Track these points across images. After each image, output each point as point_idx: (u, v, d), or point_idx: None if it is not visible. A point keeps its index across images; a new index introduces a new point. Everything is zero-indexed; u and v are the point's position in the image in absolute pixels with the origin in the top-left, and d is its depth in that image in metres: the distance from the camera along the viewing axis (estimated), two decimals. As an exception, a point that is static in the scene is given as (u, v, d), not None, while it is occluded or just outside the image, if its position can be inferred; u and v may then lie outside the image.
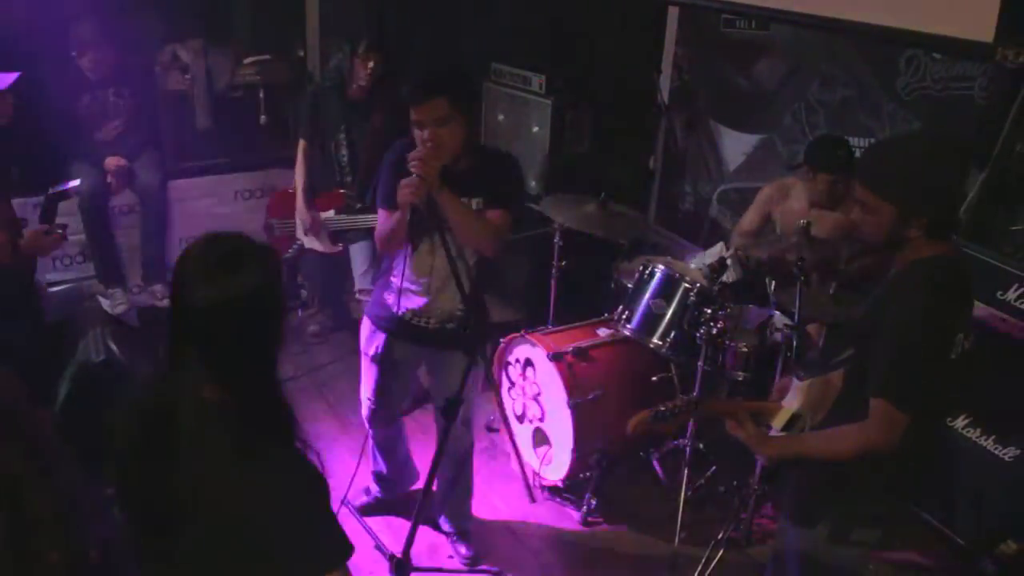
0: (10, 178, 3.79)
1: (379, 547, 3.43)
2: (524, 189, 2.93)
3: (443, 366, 3.21)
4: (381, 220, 3.02)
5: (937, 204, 2.15)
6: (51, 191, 3.69)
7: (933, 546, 3.48)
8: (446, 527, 3.62)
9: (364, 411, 3.43)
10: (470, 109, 2.96)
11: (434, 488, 3.14)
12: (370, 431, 3.49)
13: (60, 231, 3.63)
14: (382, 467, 3.68)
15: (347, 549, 1.64)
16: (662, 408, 2.51)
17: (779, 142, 4.59)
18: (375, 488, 3.76)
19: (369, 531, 3.51)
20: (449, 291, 2.99)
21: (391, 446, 3.61)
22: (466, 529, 3.60)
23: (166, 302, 4.83)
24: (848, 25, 3.68)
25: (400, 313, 3.07)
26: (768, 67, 4.59)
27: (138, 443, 1.64)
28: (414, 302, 3.08)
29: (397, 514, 3.70)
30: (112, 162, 4.80)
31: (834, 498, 2.35)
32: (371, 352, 3.24)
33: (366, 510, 3.71)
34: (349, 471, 3.34)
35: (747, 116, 4.77)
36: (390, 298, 3.11)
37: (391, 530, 3.57)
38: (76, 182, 3.89)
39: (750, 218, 4.00)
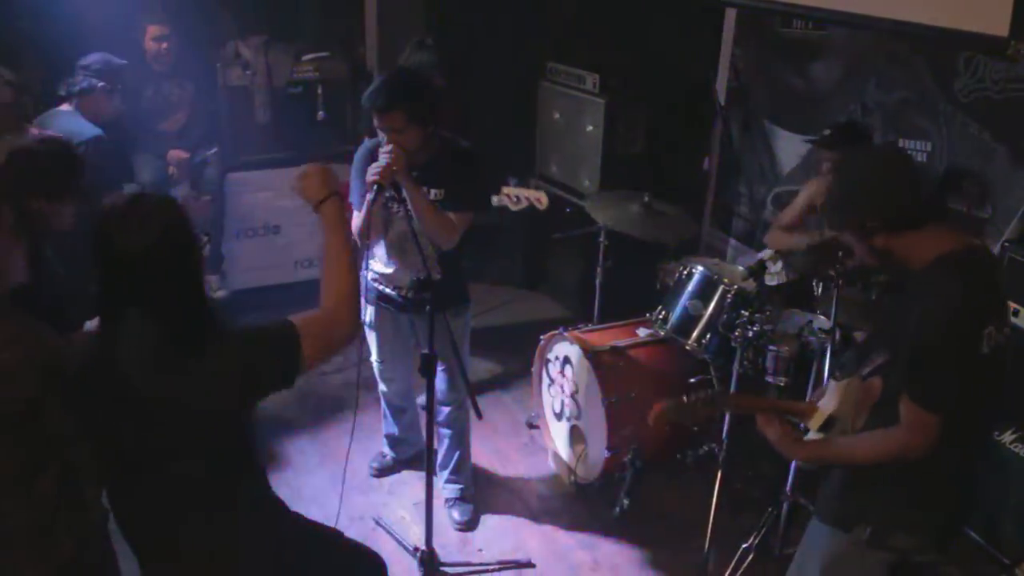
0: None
1: (403, 546, 3.51)
2: (489, 188, 3.47)
3: (419, 329, 3.46)
4: (355, 219, 3.24)
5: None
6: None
7: (975, 563, 3.37)
8: (446, 494, 3.78)
9: (376, 371, 3.76)
10: (427, 118, 3.14)
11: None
12: (382, 389, 3.81)
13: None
14: (393, 428, 3.96)
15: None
16: (684, 399, 2.50)
17: (834, 144, 4.47)
18: (388, 450, 4.04)
19: (390, 532, 3.62)
20: (413, 264, 3.22)
21: (401, 405, 3.89)
22: (464, 496, 3.79)
23: (221, 293, 5.01)
24: (860, 19, 3.56)
25: (378, 286, 3.44)
26: (825, 67, 4.49)
27: (106, 393, 1.95)
28: (387, 276, 3.41)
29: (412, 468, 4.02)
30: (174, 154, 4.96)
31: (876, 500, 2.28)
32: (366, 320, 3.58)
33: (382, 472, 4.02)
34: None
35: (802, 117, 4.66)
36: (370, 274, 3.43)
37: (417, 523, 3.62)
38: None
39: (789, 213, 3.88)
